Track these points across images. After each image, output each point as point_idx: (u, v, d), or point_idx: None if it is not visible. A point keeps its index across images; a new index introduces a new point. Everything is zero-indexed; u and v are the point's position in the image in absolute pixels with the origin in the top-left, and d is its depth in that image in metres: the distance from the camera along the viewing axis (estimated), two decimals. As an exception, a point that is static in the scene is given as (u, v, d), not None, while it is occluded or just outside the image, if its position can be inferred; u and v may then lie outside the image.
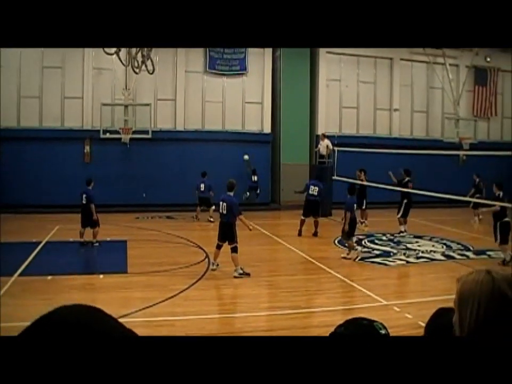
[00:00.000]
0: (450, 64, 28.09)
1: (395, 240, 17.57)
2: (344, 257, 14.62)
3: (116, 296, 10.82)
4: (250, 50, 25.85)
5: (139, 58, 19.59)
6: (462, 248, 16.40)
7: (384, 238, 17.98)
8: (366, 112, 28.32)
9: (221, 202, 12.91)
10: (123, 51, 20.15)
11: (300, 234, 18.15)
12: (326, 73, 27.32)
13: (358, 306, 10.32)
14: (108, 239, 16.28)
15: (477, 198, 19.95)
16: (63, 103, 24.17)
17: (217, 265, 13.06)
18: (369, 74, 28.36)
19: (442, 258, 15.04)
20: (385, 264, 14.14)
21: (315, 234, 18.03)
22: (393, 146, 22.51)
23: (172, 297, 10.67)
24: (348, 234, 14.91)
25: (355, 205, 15.07)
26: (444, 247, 16.55)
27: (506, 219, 14.01)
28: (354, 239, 15.43)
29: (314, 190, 18.38)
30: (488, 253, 15.44)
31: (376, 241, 17.27)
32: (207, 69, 25.65)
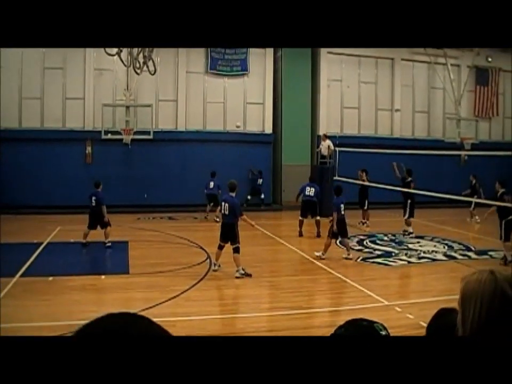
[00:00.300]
0: (451, 64, 28.11)
1: (397, 240, 17.56)
2: (346, 258, 14.61)
3: (117, 297, 10.83)
4: (252, 51, 25.86)
5: (140, 59, 19.60)
6: (464, 248, 16.39)
7: (385, 238, 17.96)
8: (367, 112, 28.32)
9: (223, 203, 12.92)
10: (124, 52, 20.15)
11: (300, 235, 18.18)
12: (327, 73, 27.32)
13: (360, 306, 10.30)
14: (109, 239, 16.26)
15: (476, 198, 19.91)
16: (65, 104, 24.20)
17: (219, 265, 13.06)
18: (371, 74, 28.36)
19: (444, 258, 15.02)
20: (387, 265, 14.13)
21: (318, 235, 17.99)
22: (395, 147, 22.47)
23: (174, 297, 10.67)
24: (340, 234, 14.86)
25: (342, 205, 14.96)
26: (446, 247, 16.53)
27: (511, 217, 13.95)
28: (356, 239, 15.39)
29: (310, 191, 18.39)
30: (489, 253, 15.43)
31: (378, 242, 17.26)
32: (209, 70, 25.67)
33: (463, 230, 19.97)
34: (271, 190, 26.82)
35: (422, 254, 15.36)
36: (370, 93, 28.37)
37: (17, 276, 12.04)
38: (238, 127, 24.94)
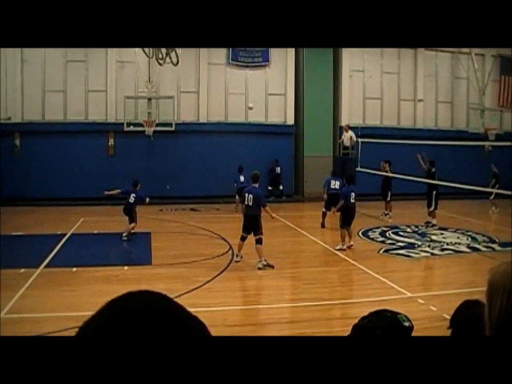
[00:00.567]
0: (475, 54, 27.68)
1: (419, 232, 17.43)
2: (339, 249, 14.51)
3: (140, 288, 10.85)
4: (273, 42, 25.72)
5: (163, 50, 19.64)
6: (488, 240, 16.22)
7: (408, 230, 17.83)
8: (390, 103, 28.07)
9: (246, 194, 12.90)
10: (146, 44, 20.16)
11: (323, 226, 18.11)
12: (349, 64, 27.12)
13: (382, 298, 10.27)
14: (132, 231, 16.36)
15: (497, 188, 19.69)
16: (87, 96, 24.36)
17: (241, 257, 13.08)
18: (393, 64, 28.08)
19: (468, 250, 14.90)
20: (410, 256, 14.04)
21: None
22: (418, 138, 22.31)
23: (196, 288, 10.72)
24: (342, 223, 14.84)
25: (353, 194, 14.93)
26: (469, 239, 16.38)
27: None
28: (379, 230, 15.26)
29: (335, 184, 18.32)
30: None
31: (401, 233, 17.14)
32: (230, 61, 25.63)
33: (486, 221, 19.77)
34: (293, 181, 26.77)
35: (445, 246, 15.24)
36: (392, 83, 28.11)
37: (42, 266, 12.19)
38: (250, 108, 24.28)
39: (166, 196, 23.89)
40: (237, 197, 21.22)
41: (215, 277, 11.70)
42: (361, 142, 23.04)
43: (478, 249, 14.92)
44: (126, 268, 12.55)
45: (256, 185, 12.95)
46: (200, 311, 9.32)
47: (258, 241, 12.56)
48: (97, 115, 24.30)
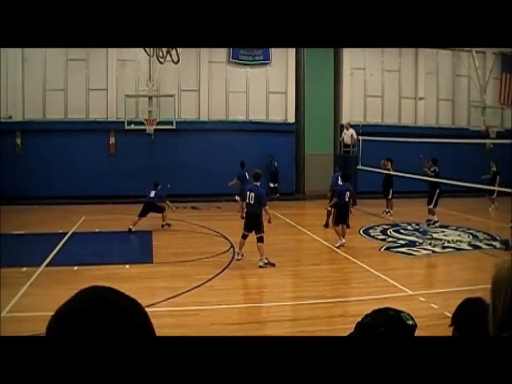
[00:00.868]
0: (476, 51, 27.64)
1: (421, 229, 17.42)
2: (339, 246, 14.53)
3: (141, 286, 10.90)
4: (274, 40, 25.70)
5: (164, 48, 19.62)
6: (489, 238, 16.21)
7: (409, 227, 17.82)
8: (391, 101, 28.05)
9: (248, 192, 12.89)
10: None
11: (326, 226, 17.35)
12: (350, 62, 27.10)
13: (383, 296, 10.26)
14: (133, 229, 16.35)
15: (498, 185, 19.69)
16: (88, 95, 24.36)
17: (242, 255, 13.09)
18: (394, 62, 28.05)
19: (469, 248, 14.89)
20: (411, 254, 14.03)
21: (347, 226, 17.74)
22: (419, 135, 22.30)
23: (197, 287, 10.73)
24: (335, 221, 14.87)
25: (348, 192, 14.95)
26: (470, 236, 16.37)
27: None
28: (380, 228, 15.26)
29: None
30: (515, 242, 15.25)
31: (402, 231, 17.13)
32: (231, 59, 25.63)
33: (488, 219, 19.75)
34: (294, 179, 26.75)
35: (446, 244, 15.23)
36: (393, 81, 28.08)
37: (43, 265, 12.20)
38: (239, 121, 24.84)
39: (167, 194, 23.84)
40: (237, 197, 21.18)
41: (216, 275, 11.71)
42: (362, 140, 23.02)
43: (479, 247, 14.92)
44: (127, 266, 12.54)
45: (258, 183, 12.96)
46: (201, 309, 9.35)
47: (260, 240, 12.56)
48: (98, 113, 24.30)
